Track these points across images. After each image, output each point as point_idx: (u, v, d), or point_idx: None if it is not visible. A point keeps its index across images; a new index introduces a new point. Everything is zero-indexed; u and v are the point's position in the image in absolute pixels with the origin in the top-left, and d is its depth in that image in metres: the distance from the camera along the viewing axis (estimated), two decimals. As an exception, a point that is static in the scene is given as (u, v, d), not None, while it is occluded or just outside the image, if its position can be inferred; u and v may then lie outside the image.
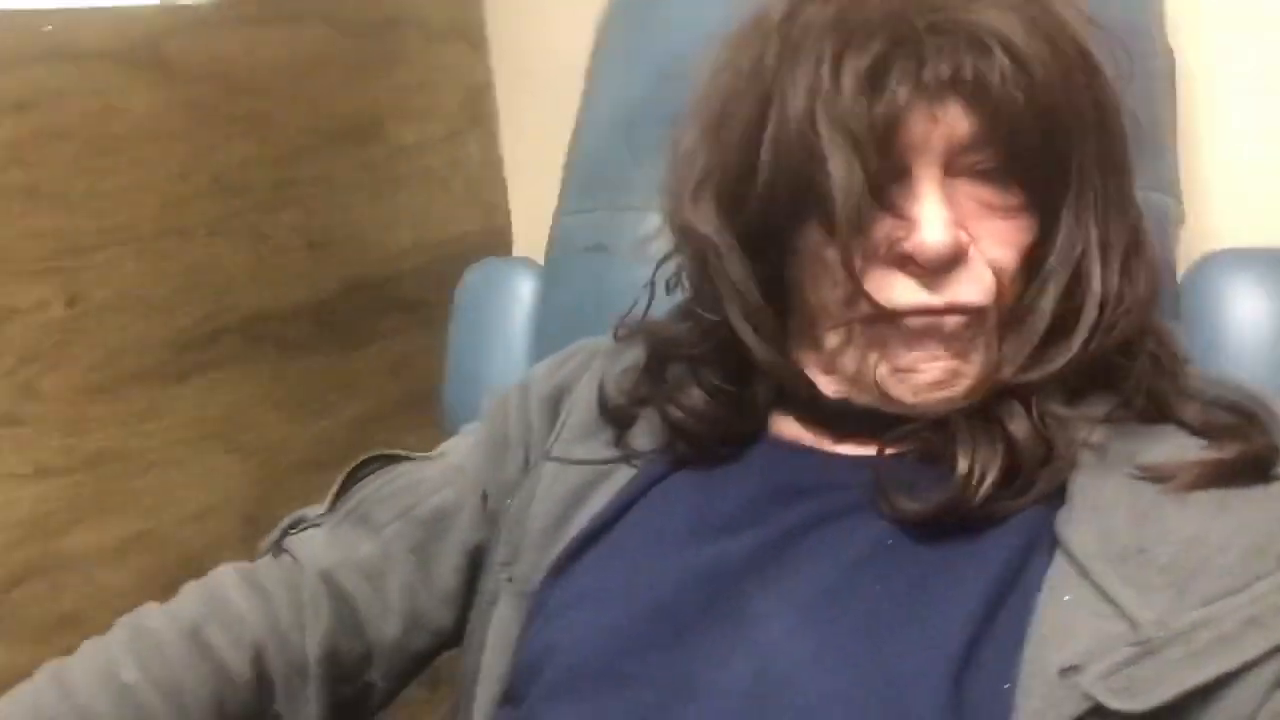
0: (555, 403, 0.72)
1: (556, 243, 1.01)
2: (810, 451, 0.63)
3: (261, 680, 0.64)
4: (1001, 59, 0.53)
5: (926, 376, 0.58)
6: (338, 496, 0.72)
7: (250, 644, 0.63)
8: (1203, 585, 0.49)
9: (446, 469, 0.73)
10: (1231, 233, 0.91)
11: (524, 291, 1.02)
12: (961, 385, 0.58)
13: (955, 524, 0.55)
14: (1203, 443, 0.56)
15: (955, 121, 0.55)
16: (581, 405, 0.70)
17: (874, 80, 0.54)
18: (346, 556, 0.68)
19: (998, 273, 0.57)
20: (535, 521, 0.67)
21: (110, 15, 0.95)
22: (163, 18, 0.99)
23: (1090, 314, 0.57)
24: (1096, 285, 0.57)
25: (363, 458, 0.74)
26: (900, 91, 0.54)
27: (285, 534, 0.71)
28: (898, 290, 0.57)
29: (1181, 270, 0.79)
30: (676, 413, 0.65)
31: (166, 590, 0.67)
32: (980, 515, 0.55)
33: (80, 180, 0.92)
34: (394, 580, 0.69)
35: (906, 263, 0.56)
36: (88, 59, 0.92)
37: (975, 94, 0.54)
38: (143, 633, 0.62)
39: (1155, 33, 0.85)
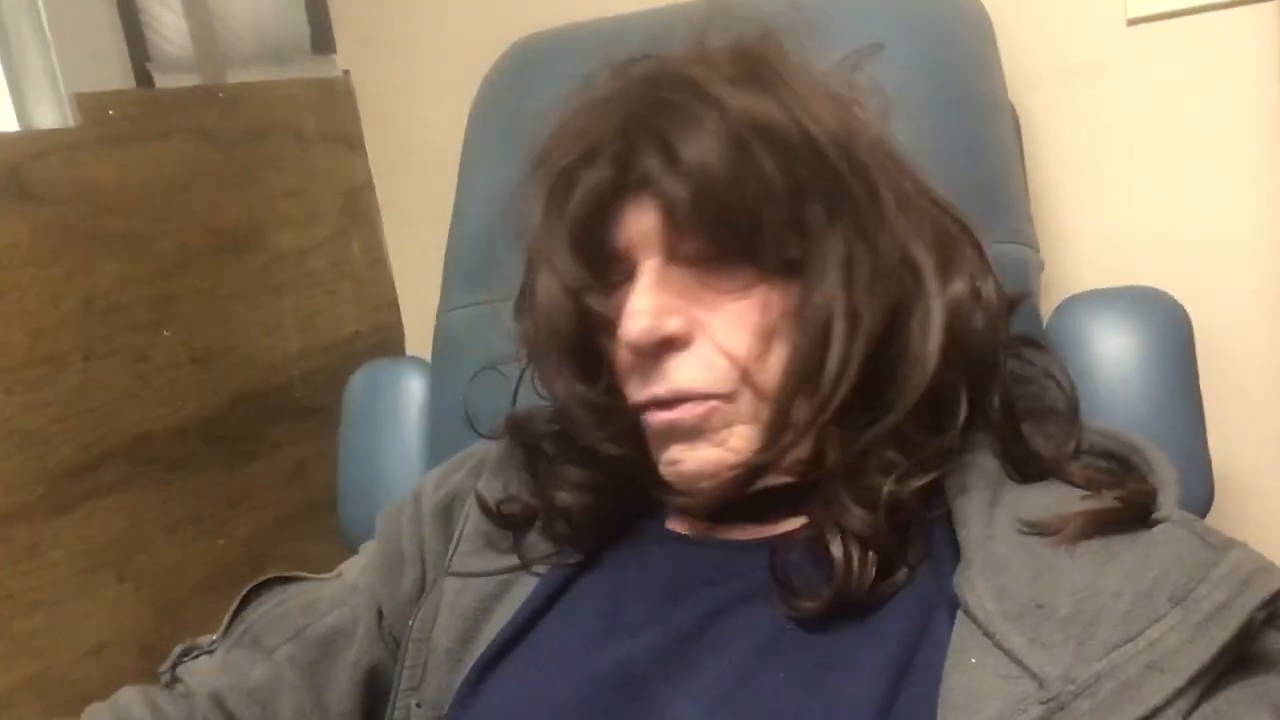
0: (447, 513, 0.72)
1: (442, 340, 1.00)
2: (702, 542, 0.64)
3: None
4: (684, 163, 0.56)
5: (686, 468, 0.60)
6: (231, 621, 0.70)
7: None
8: (1102, 634, 0.49)
9: (340, 588, 0.72)
10: (1092, 275, 0.95)
11: (413, 391, 1.01)
12: (729, 474, 0.59)
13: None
14: (1083, 493, 0.57)
15: (652, 216, 0.58)
16: (476, 514, 0.70)
17: (569, 194, 0.59)
18: (237, 681, 0.66)
19: (732, 355, 0.57)
20: (440, 641, 0.65)
21: (-31, 145, 0.93)
22: (25, 144, 0.97)
23: (826, 383, 0.56)
24: (834, 353, 0.56)
25: (258, 580, 0.73)
26: (592, 197, 0.58)
27: (177, 662, 0.69)
28: (632, 385, 0.60)
29: (1046, 316, 0.82)
30: (559, 494, 0.66)
31: (63, 735, 0.64)
32: (874, 599, 0.56)
33: (-57, 317, 0.89)
34: (286, 704, 0.67)
35: (633, 356, 0.59)
36: (-53, 192, 0.90)
37: (663, 197, 0.57)
38: None
39: (996, 89, 0.89)
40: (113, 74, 1.12)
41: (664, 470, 0.61)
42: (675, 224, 0.57)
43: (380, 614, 0.69)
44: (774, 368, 0.57)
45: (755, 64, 0.58)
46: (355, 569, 0.73)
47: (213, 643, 0.70)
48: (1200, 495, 0.75)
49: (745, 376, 0.57)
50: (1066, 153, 1.00)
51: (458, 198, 1.02)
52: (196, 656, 0.70)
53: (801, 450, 0.59)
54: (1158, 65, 0.96)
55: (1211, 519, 0.69)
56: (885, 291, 0.57)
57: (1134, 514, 0.54)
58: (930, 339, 0.57)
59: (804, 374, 0.57)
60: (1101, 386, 0.76)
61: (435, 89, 1.26)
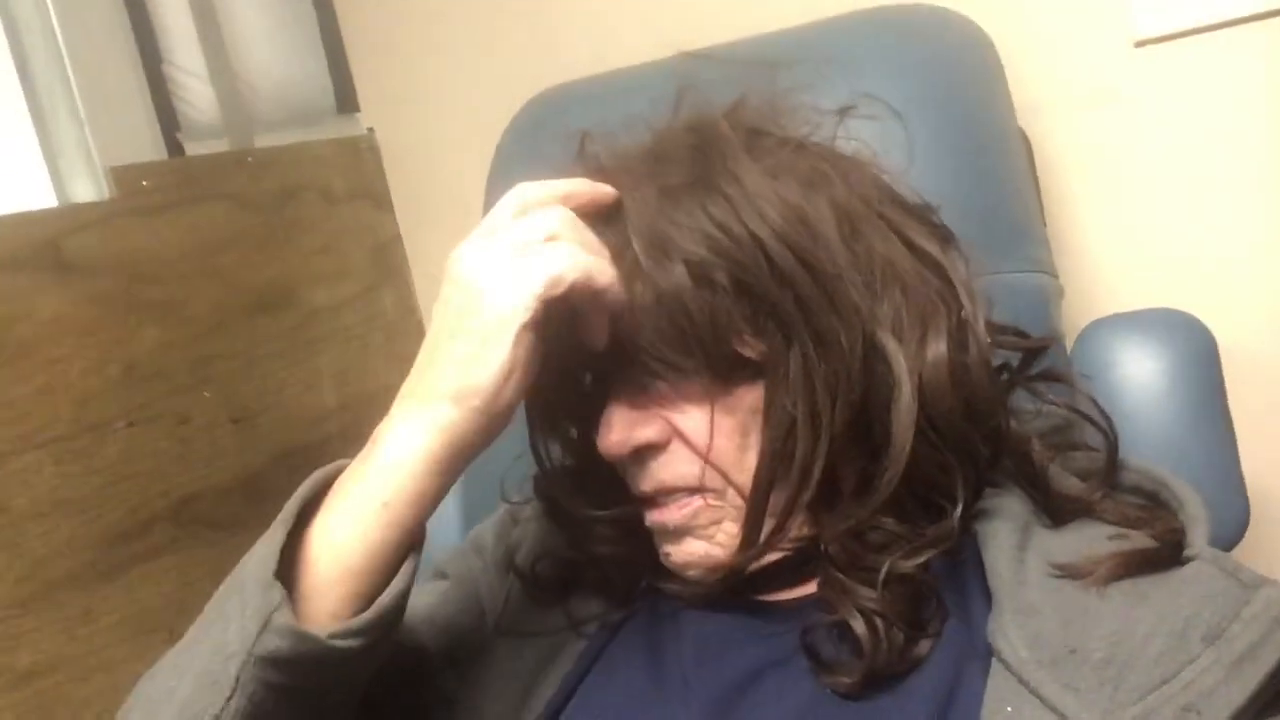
0: (505, 569, 0.71)
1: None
2: (733, 602, 0.63)
3: None
4: (638, 289, 0.56)
5: (676, 559, 0.62)
6: None
7: None
8: (1136, 678, 0.49)
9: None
10: (1115, 299, 0.95)
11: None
12: (718, 565, 0.61)
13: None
14: (1112, 531, 0.57)
15: (600, 334, 0.58)
16: None
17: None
18: None
19: (705, 456, 0.58)
20: (491, 705, 0.64)
21: (9, 222, 0.95)
22: (63, 218, 1.00)
23: (793, 478, 0.57)
24: (799, 452, 0.57)
25: None
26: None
27: None
28: (629, 480, 0.62)
29: (1070, 342, 0.82)
30: (598, 547, 0.67)
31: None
32: (906, 661, 0.56)
33: (-10, 390, 0.91)
34: None
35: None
36: (-11, 269, 0.93)
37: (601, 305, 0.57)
38: None
39: (1005, 120, 0.89)
40: (144, 144, 1.15)
41: (661, 559, 0.63)
42: (609, 346, 0.58)
43: (423, 653, 0.68)
44: (749, 465, 0.59)
45: (707, 163, 0.59)
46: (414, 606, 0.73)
47: None
48: (1236, 516, 0.75)
49: (721, 473, 0.59)
50: (1083, 177, 1.00)
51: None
52: None
53: (796, 529, 0.60)
54: (1167, 86, 0.97)
55: (1248, 539, 0.69)
56: (849, 387, 0.57)
57: (1165, 553, 0.54)
58: (902, 423, 0.57)
59: (772, 472, 0.58)
60: (1130, 410, 0.76)
61: (457, 143, 1.28)
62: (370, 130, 1.34)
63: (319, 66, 1.33)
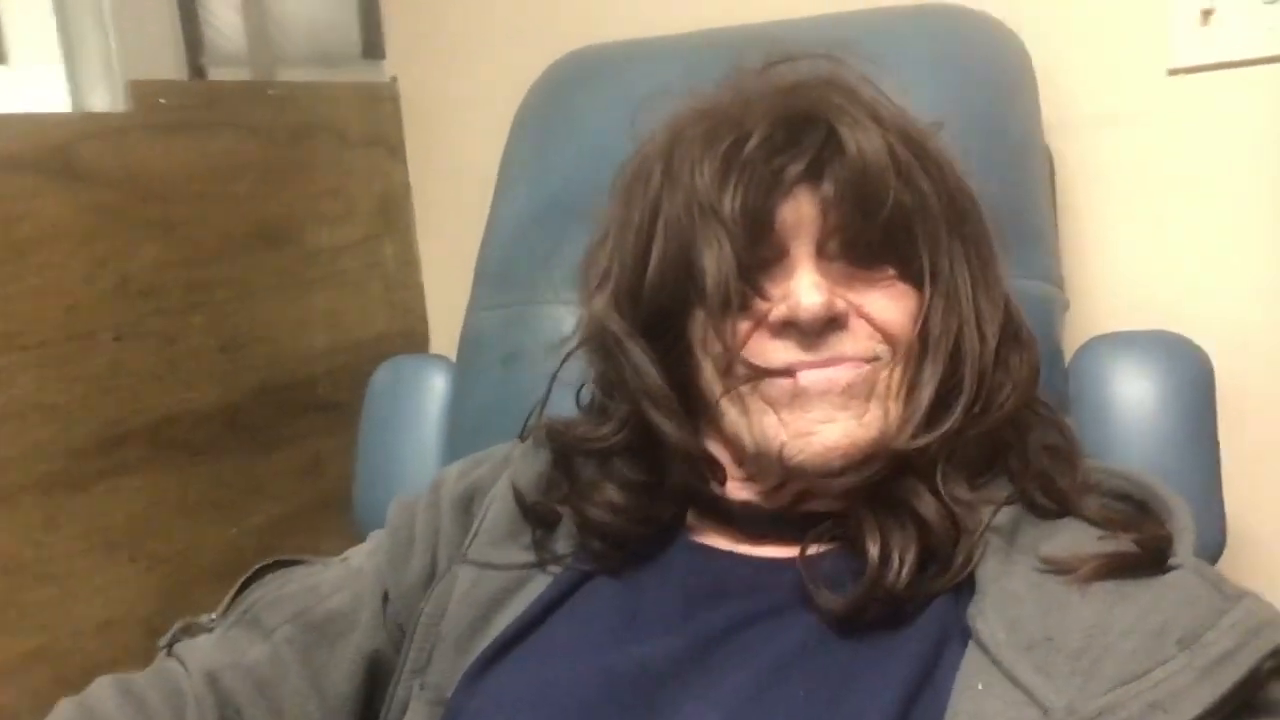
0: (468, 504, 0.72)
1: (468, 339, 1.01)
2: (730, 555, 0.64)
3: None
4: (850, 154, 0.58)
5: (821, 439, 0.60)
6: (232, 601, 0.70)
7: None
8: (1108, 671, 0.50)
9: (345, 572, 0.72)
10: (1116, 317, 0.95)
11: (435, 388, 1.02)
12: (858, 450, 0.60)
13: (874, 620, 0.57)
14: (1100, 533, 0.58)
15: (814, 208, 0.59)
16: (497, 508, 0.70)
17: (739, 176, 0.59)
18: (234, 660, 0.67)
19: (885, 328, 0.60)
20: (450, 627, 0.66)
21: (22, 122, 0.95)
22: (76, 125, 1.00)
23: (969, 384, 0.60)
24: (975, 357, 0.61)
25: (262, 563, 0.73)
26: (760, 184, 0.59)
27: (175, 639, 0.69)
28: (775, 353, 0.60)
29: (1069, 355, 0.82)
30: (592, 510, 0.66)
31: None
32: (903, 599, 0.56)
33: (-21, 286, 0.90)
34: (284, 686, 0.67)
35: (786, 331, 0.60)
36: (-3, 167, 0.92)
37: (826, 186, 0.59)
38: None
39: (1033, 135, 0.89)
40: (167, 63, 1.14)
41: (786, 445, 0.60)
42: (832, 214, 0.60)
43: (386, 598, 0.70)
44: (912, 359, 0.61)
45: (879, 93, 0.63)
46: (361, 554, 0.74)
47: (212, 621, 0.70)
48: (1212, 542, 0.75)
49: (900, 349, 0.60)
50: (1099, 196, 1.00)
51: (494, 200, 1.03)
52: (195, 634, 0.70)
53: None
54: (1195, 116, 0.97)
55: (1222, 566, 0.68)
56: (997, 314, 0.63)
57: (1150, 559, 0.55)
58: (1023, 375, 0.62)
59: (941, 368, 0.60)
60: (1119, 427, 0.76)
61: (480, 100, 1.27)
62: (393, 79, 1.34)
63: (349, 9, 1.32)
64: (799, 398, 0.60)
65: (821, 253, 0.61)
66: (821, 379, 0.60)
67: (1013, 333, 0.63)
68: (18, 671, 0.93)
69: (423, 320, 1.37)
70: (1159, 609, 0.52)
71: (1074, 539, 0.58)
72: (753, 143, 0.60)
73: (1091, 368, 0.80)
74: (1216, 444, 0.77)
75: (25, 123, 0.95)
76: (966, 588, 0.57)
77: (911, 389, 0.61)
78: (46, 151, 0.96)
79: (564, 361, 0.71)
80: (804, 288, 0.59)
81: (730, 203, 0.59)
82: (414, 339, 1.36)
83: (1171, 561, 0.55)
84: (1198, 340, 0.80)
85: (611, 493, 0.66)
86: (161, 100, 1.06)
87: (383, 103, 1.33)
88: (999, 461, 0.62)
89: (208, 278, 1.09)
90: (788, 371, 0.60)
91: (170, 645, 0.69)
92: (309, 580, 0.71)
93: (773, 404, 0.61)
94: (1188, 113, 0.97)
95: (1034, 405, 0.64)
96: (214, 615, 0.71)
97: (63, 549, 0.97)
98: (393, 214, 1.33)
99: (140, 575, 1.03)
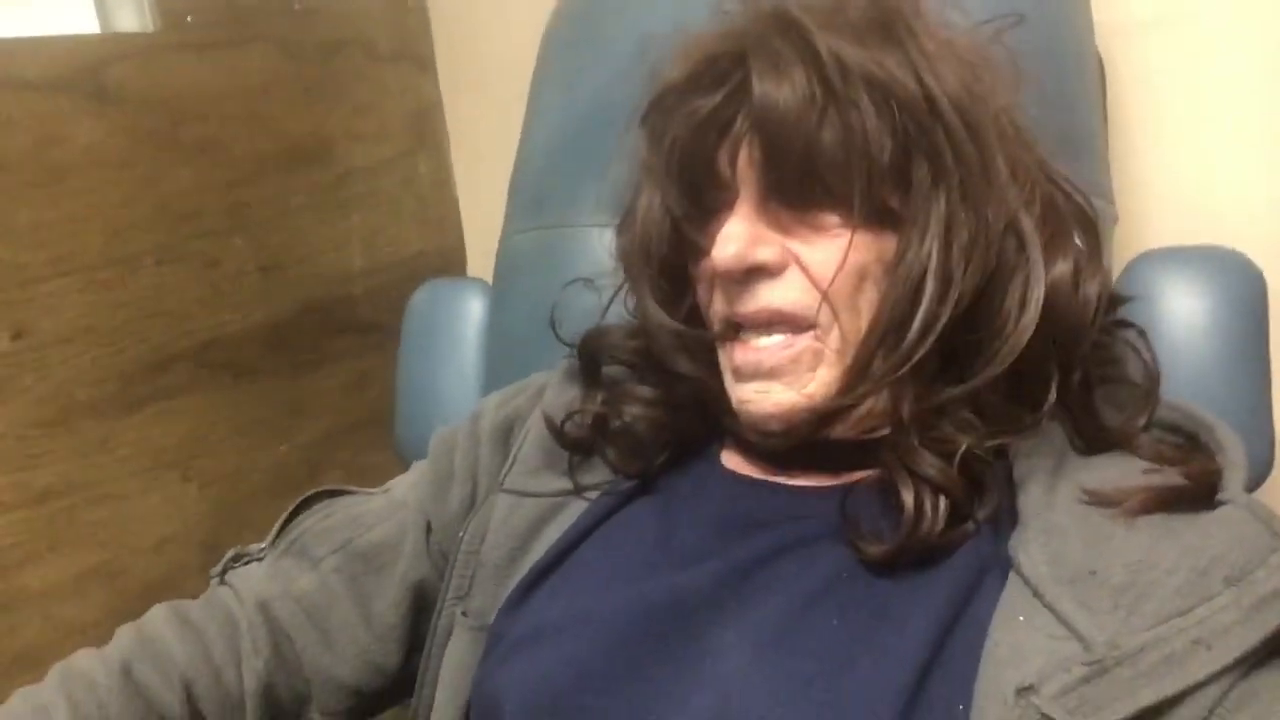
0: (506, 434, 0.73)
1: (504, 262, 1.01)
2: (765, 484, 0.64)
3: (194, 717, 0.64)
4: (755, 95, 0.56)
5: (758, 408, 0.60)
6: (281, 531, 0.72)
7: (181, 681, 0.64)
8: (1152, 607, 0.49)
9: (388, 503, 0.73)
10: (1168, 232, 0.93)
11: (473, 311, 1.02)
12: (796, 415, 0.60)
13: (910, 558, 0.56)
14: (1147, 466, 0.57)
15: (753, 151, 0.58)
16: (534, 437, 0.71)
17: (668, 120, 0.60)
18: (284, 589, 0.69)
19: (821, 286, 0.58)
20: (490, 555, 0.67)
21: (52, 44, 0.94)
22: (105, 46, 0.99)
23: (915, 333, 0.57)
24: (934, 301, 0.56)
25: (308, 493, 0.74)
26: (685, 128, 0.59)
27: (228, 567, 0.71)
28: (717, 302, 0.61)
29: (1117, 271, 0.81)
30: (626, 411, 0.67)
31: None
32: (939, 545, 0.56)
33: (23, 212, 0.91)
34: (333, 614, 0.69)
35: (719, 282, 0.60)
36: (28, 89, 0.91)
37: (762, 128, 0.57)
38: (74, 675, 0.62)
39: (1084, 41, 0.86)
40: (192, -20, 1.12)
41: (736, 407, 0.62)
42: (767, 159, 0.58)
43: (429, 528, 0.71)
44: (862, 311, 0.58)
45: (888, 17, 0.58)
46: (404, 485, 0.75)
47: (261, 550, 0.72)
48: (1260, 462, 0.74)
49: (833, 311, 0.58)
50: (1151, 106, 0.96)
51: (526, 122, 1.01)
52: (247, 563, 0.72)
53: (874, 404, 0.60)
54: (1252, 17, 0.92)
55: (1269, 485, 0.68)
56: (984, 258, 0.57)
57: (1198, 493, 0.54)
58: (1027, 313, 0.57)
59: (889, 326, 0.57)
60: (1166, 346, 0.74)
61: (509, 11, 1.25)
62: (421, -11, 1.31)
63: (375, -81, 1.29)
64: (736, 370, 0.61)
65: (769, 197, 0.59)
66: (749, 362, 0.60)
67: (1011, 269, 0.58)
68: (79, 588, 0.96)
69: (459, 239, 1.37)
70: (1207, 545, 0.51)
71: (1121, 472, 0.57)
72: (678, 85, 0.60)
73: (1139, 284, 0.78)
74: (1268, 364, 0.75)
75: (55, 45, 0.95)
76: (1007, 519, 0.57)
77: (858, 345, 0.58)
78: (77, 73, 0.95)
79: (615, 296, 0.72)
80: (723, 235, 0.58)
81: (662, 148, 0.60)
82: (451, 258, 1.36)
83: (1220, 497, 0.53)
84: (1252, 256, 0.78)
85: (645, 391, 0.68)
86: (189, 18, 1.04)
87: (410, 15, 1.30)
88: (1043, 396, 0.59)
89: (245, 199, 1.09)
90: (731, 330, 0.61)
91: (223, 574, 0.71)
92: (353, 511, 0.73)
93: (728, 363, 0.62)
94: (1243, 14, 0.93)
95: (1083, 335, 0.60)
96: (263, 545, 0.72)
97: (118, 470, 0.99)
98: (425, 131, 1.32)
99: (194, 494, 1.06)
